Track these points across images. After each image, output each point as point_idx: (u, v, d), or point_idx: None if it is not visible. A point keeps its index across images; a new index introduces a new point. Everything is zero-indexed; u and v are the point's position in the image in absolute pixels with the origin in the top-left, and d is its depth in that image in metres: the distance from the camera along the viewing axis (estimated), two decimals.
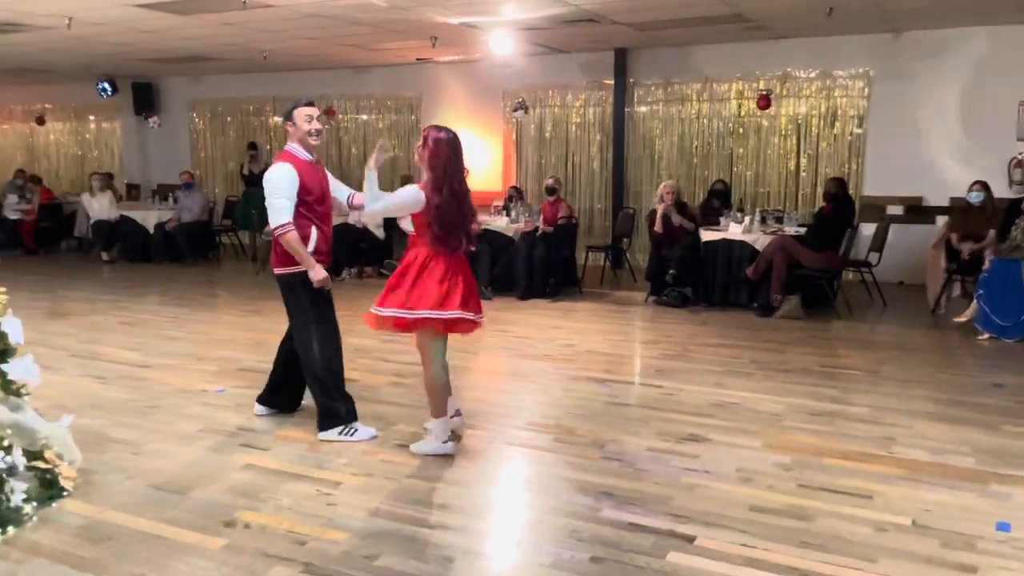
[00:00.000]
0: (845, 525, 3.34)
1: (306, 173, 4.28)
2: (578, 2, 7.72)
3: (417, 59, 11.56)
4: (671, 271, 8.21)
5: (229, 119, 14.17)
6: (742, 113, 10.52)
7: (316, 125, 4.35)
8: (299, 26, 8.80)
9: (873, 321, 7.79)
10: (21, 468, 3.42)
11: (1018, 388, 5.41)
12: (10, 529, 2.39)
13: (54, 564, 3.07)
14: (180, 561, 3.07)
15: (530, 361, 6.19)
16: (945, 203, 9.33)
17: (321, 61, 11.84)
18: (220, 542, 3.21)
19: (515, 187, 10.51)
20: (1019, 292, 6.71)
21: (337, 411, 4.38)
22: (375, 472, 3.93)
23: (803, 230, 8.28)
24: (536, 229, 8.89)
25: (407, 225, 4.17)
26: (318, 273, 4.25)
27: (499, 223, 9.24)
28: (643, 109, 11.05)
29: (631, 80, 10.94)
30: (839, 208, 8.00)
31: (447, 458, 4.12)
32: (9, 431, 3.44)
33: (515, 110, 11.21)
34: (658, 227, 8.50)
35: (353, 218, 9.33)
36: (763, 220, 8.67)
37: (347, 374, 4.54)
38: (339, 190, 4.64)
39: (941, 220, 9.06)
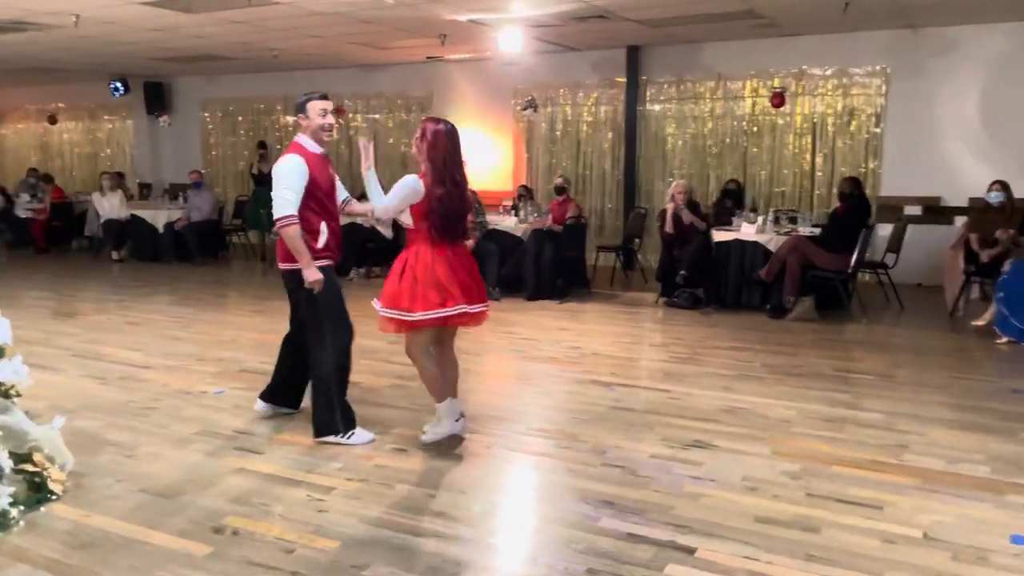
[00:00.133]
0: (853, 537, 3.21)
1: (316, 166, 4.18)
2: None
3: (427, 58, 11.47)
4: (682, 272, 8.07)
5: (240, 119, 14.15)
6: (756, 111, 10.35)
7: (330, 119, 4.25)
8: (307, 24, 8.74)
9: (889, 324, 7.62)
10: (8, 471, 3.34)
11: None
12: None
13: (36, 571, 3.00)
14: (164, 569, 2.98)
15: (535, 363, 6.08)
16: (964, 203, 9.14)
17: (331, 60, 11.78)
18: (206, 549, 3.12)
19: (525, 186, 10.41)
20: None
21: (335, 414, 4.28)
22: (369, 477, 3.84)
23: (817, 231, 8.11)
24: (546, 227, 8.76)
25: (406, 218, 4.10)
26: (313, 274, 4.12)
27: (507, 223, 9.14)
28: (655, 107, 10.91)
29: (643, 78, 10.80)
30: (854, 208, 7.83)
31: (444, 463, 4.02)
32: None
33: (524, 108, 11.11)
34: (669, 227, 8.36)
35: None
36: (776, 220, 8.51)
37: (351, 376, 4.46)
38: (338, 191, 4.55)
39: (960, 221, 8.88)
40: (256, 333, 6.93)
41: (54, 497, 3.60)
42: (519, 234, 8.94)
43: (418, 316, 4.01)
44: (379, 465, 4.00)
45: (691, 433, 4.45)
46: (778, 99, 9.80)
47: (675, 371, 5.81)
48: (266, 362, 4.69)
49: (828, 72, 9.85)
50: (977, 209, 8.17)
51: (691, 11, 8.19)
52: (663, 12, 8.29)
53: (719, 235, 8.23)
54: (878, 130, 9.69)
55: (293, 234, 4.06)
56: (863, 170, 9.71)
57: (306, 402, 4.80)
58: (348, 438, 4.25)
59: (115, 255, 11.88)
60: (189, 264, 11.37)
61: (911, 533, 3.25)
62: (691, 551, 3.09)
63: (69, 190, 14.36)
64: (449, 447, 4.24)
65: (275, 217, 4.08)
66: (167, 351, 6.37)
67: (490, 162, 11.85)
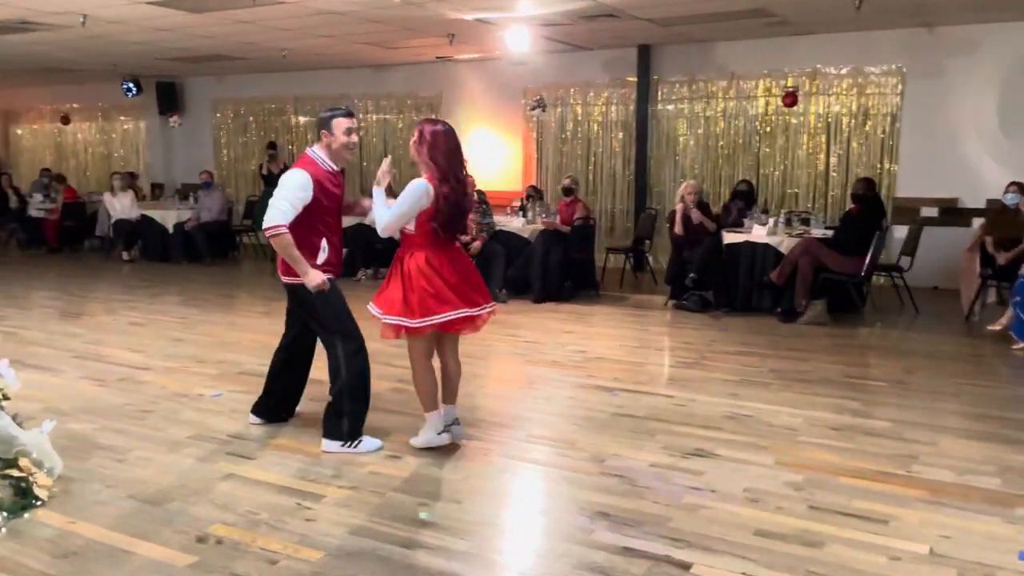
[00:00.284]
0: (856, 553, 3.09)
1: (327, 183, 4.09)
2: None
3: (437, 57, 11.41)
4: (691, 274, 7.95)
5: (251, 119, 14.16)
6: (769, 111, 10.21)
7: (355, 138, 4.18)
8: (313, 23, 8.69)
9: (903, 328, 7.46)
10: None
11: None
12: None
13: None
14: None
15: (537, 367, 5.98)
16: (981, 205, 8.97)
17: (340, 60, 11.74)
18: (189, 559, 3.05)
19: (534, 187, 10.31)
20: None
21: (343, 423, 4.17)
22: (361, 485, 3.75)
23: (830, 233, 7.96)
24: (550, 226, 8.66)
25: (409, 224, 4.01)
26: (313, 279, 4.05)
27: (515, 224, 9.05)
28: (667, 107, 10.79)
29: (655, 77, 10.68)
30: (867, 210, 7.67)
31: (438, 471, 3.94)
32: None
33: (533, 108, 11.01)
34: (678, 228, 8.24)
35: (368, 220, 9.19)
36: (788, 222, 8.37)
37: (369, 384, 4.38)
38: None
39: (978, 222, 8.69)
40: (260, 335, 6.87)
41: (39, 503, 3.57)
42: (526, 235, 8.85)
43: (417, 322, 3.93)
44: (372, 472, 3.92)
45: (693, 441, 4.34)
46: (790, 98, 9.65)
47: (680, 376, 5.70)
48: (266, 364, 4.62)
49: (843, 71, 9.69)
50: (994, 211, 8.00)
51: (701, 9, 8.07)
52: (672, 11, 8.17)
53: (729, 237, 8.09)
54: (894, 130, 9.51)
55: (284, 243, 3.97)
56: (878, 171, 9.55)
57: (304, 407, 4.76)
58: (355, 447, 4.17)
59: (125, 255, 11.92)
60: (199, 264, 11.37)
61: (917, 549, 3.13)
62: (687, 566, 2.99)
63: (83, 190, 14.45)
64: (445, 453, 4.15)
65: (265, 224, 3.99)
66: (168, 353, 6.33)
67: (500, 162, 11.77)
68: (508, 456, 4.16)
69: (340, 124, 4.10)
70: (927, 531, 3.28)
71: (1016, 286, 6.64)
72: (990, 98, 8.94)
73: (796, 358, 6.19)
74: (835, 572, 2.95)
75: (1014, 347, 6.46)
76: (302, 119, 13.54)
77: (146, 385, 5.43)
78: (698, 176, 10.48)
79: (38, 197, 13.20)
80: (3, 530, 3.31)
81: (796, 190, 10.16)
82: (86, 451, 4.18)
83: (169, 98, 14.28)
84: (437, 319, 3.95)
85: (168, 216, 11.84)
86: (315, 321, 4.22)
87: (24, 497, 3.52)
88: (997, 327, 6.89)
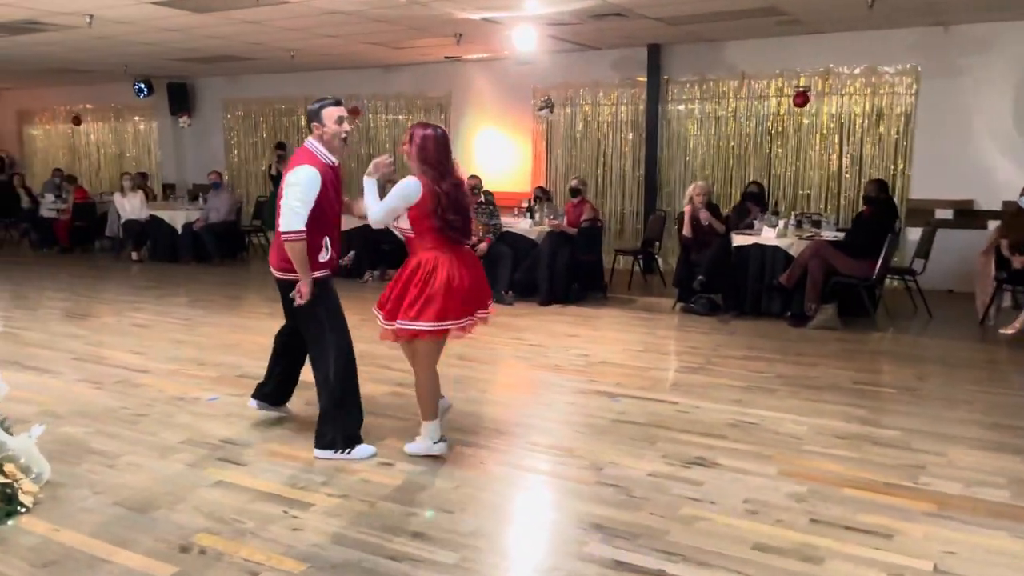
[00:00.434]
0: (858, 569, 2.98)
1: (328, 178, 4.03)
2: None
3: (445, 57, 11.34)
4: (699, 277, 7.83)
5: (261, 119, 14.15)
6: (781, 111, 10.06)
7: (347, 126, 4.09)
8: (320, 23, 8.64)
9: (915, 333, 7.31)
10: None
11: None
12: None
13: None
14: None
15: (538, 372, 5.89)
16: (997, 207, 8.79)
17: (349, 60, 11.69)
18: (169, 570, 2.99)
19: (542, 188, 10.21)
20: None
21: (337, 429, 4.11)
22: (351, 493, 3.68)
23: (841, 235, 7.81)
24: (554, 228, 8.56)
25: (404, 223, 3.94)
26: (307, 288, 3.96)
27: (522, 225, 8.96)
28: (677, 107, 10.66)
29: (665, 77, 10.55)
30: (879, 212, 7.53)
31: (430, 479, 3.85)
32: None
33: (541, 109, 10.92)
34: (686, 230, 8.13)
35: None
36: (799, 224, 8.23)
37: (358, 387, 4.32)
38: None
39: (993, 225, 8.52)
40: (262, 336, 6.75)
41: (24, 510, 3.51)
42: (533, 237, 8.76)
43: (426, 326, 3.85)
44: (363, 479, 3.84)
45: (694, 449, 4.23)
46: (801, 98, 9.51)
47: (684, 381, 5.59)
48: (265, 367, 4.59)
49: (856, 71, 9.53)
50: (1009, 213, 7.84)
51: (709, 8, 7.95)
52: (680, 9, 8.05)
53: (739, 239, 7.96)
54: (908, 130, 9.35)
55: (300, 249, 3.91)
56: (892, 172, 9.39)
57: (301, 410, 4.70)
58: (348, 453, 4.10)
59: (135, 256, 11.93)
60: (207, 265, 11.35)
61: (921, 566, 3.01)
62: None
63: (95, 190, 14.50)
64: (439, 461, 4.07)
65: (283, 230, 3.91)
66: (169, 355, 6.29)
67: (509, 163, 11.69)
68: (503, 464, 4.08)
69: (331, 113, 4.01)
70: (931, 546, 3.17)
71: None
72: (1006, 98, 8.76)
73: (804, 363, 6.07)
74: None
75: None
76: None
77: (143, 388, 5.38)
78: (709, 177, 10.35)
79: (50, 197, 13.25)
80: None
81: (808, 191, 10.01)
82: (77, 456, 4.13)
83: (180, 99, 14.29)
84: (445, 325, 3.87)
85: (177, 216, 11.84)
86: (307, 320, 4.13)
87: (9, 504, 3.47)
88: (1010, 331, 6.74)
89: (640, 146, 10.86)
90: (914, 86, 9.24)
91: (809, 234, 7.90)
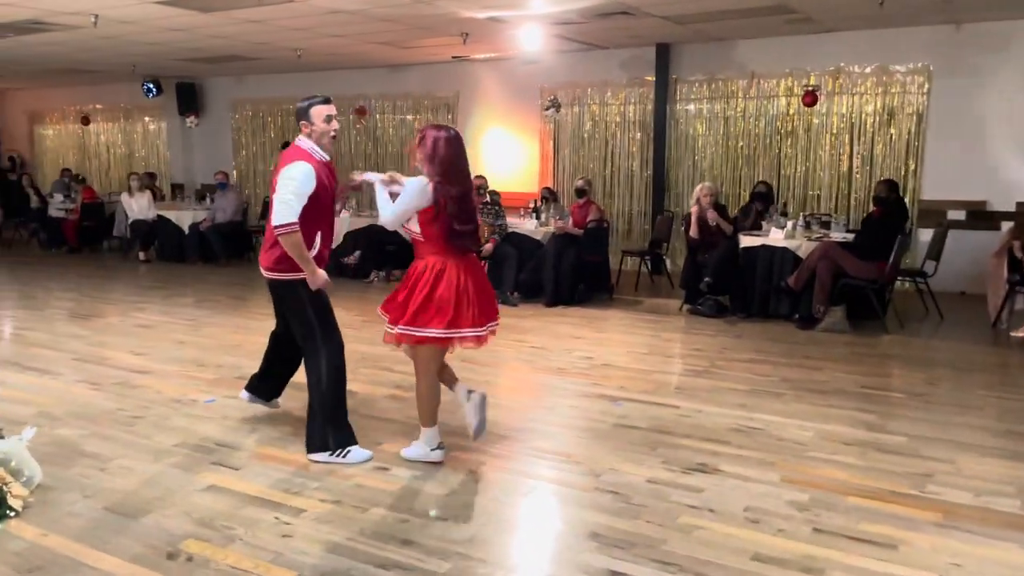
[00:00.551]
0: None
1: (322, 174, 4.00)
2: None
3: (453, 57, 11.27)
4: (706, 279, 7.73)
5: (269, 119, 14.13)
6: (791, 111, 9.94)
7: (336, 125, 4.07)
8: (324, 23, 8.59)
9: (926, 336, 7.18)
10: None
11: None
12: None
13: None
14: None
15: (540, 375, 5.82)
16: (1011, 208, 8.66)
17: (356, 60, 11.65)
18: None
19: (548, 188, 10.13)
20: None
21: (328, 431, 4.06)
22: (344, 499, 3.61)
23: (851, 236, 7.69)
24: (558, 229, 8.47)
25: (414, 225, 3.87)
26: (319, 278, 3.97)
27: (527, 225, 8.89)
28: (686, 107, 10.55)
29: (673, 77, 10.45)
30: (890, 213, 7.41)
31: (425, 485, 3.79)
32: None
33: (547, 108, 10.84)
34: (693, 231, 8.03)
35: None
36: (807, 225, 8.12)
37: (348, 384, 4.26)
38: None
39: (1006, 226, 8.39)
40: (264, 336, 6.62)
41: (12, 514, 3.46)
42: (539, 237, 8.68)
43: (434, 333, 3.77)
44: (358, 485, 3.77)
45: (695, 455, 4.14)
46: (810, 98, 9.39)
47: (688, 385, 5.50)
48: None
49: (867, 70, 9.40)
50: (1022, 214, 7.69)
51: (717, 6, 7.85)
52: (687, 7, 7.95)
53: (746, 240, 7.86)
54: (919, 130, 9.21)
55: (295, 242, 3.87)
56: (903, 172, 9.26)
57: (297, 412, 4.65)
58: (343, 456, 4.04)
59: (142, 256, 11.93)
60: (213, 265, 11.33)
61: None
62: None
63: (105, 190, 14.51)
64: (436, 465, 4.00)
65: (276, 223, 3.87)
66: (169, 356, 6.25)
67: (516, 163, 11.62)
68: (501, 469, 4.00)
69: (319, 112, 3.99)
70: (938, 558, 3.07)
71: None
72: (1020, 97, 8.61)
73: (811, 367, 5.96)
74: None
75: None
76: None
77: (141, 390, 5.34)
78: (717, 177, 10.25)
79: (58, 197, 13.28)
80: None
81: (818, 192, 9.89)
82: (70, 459, 4.09)
83: (189, 99, 14.30)
84: (445, 333, 3.78)
85: (184, 217, 11.84)
86: (297, 321, 4.09)
87: None
88: (1021, 334, 6.60)
89: (648, 146, 10.77)
90: (926, 85, 9.11)
91: (818, 235, 7.79)
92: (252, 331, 7.09)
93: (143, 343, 6.69)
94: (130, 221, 12.07)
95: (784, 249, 7.59)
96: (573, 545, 3.19)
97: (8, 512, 3.44)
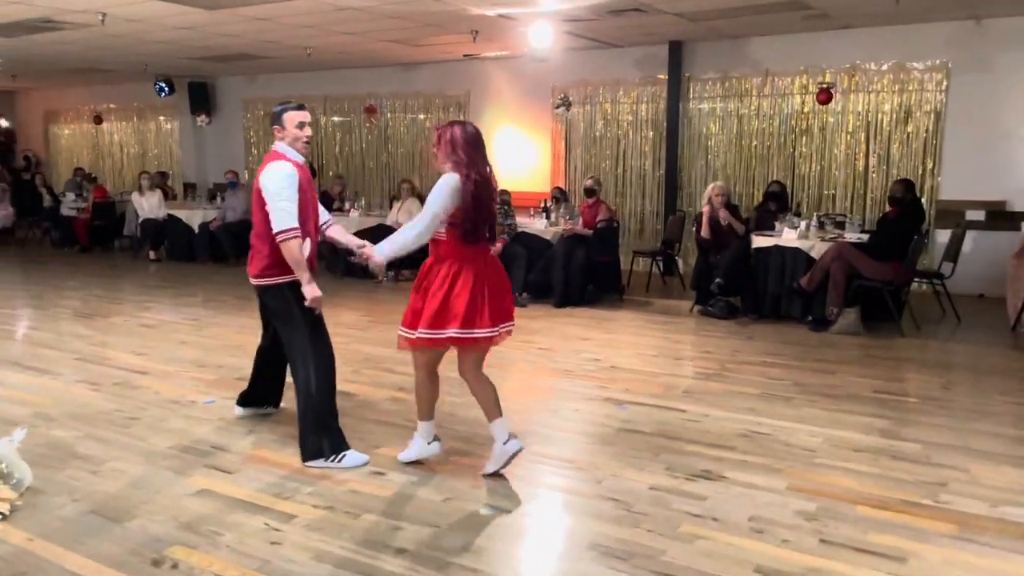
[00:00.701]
0: None
1: (303, 176, 3.94)
2: None
3: (464, 55, 11.19)
4: (717, 279, 7.59)
5: None
6: (806, 109, 9.77)
7: (308, 132, 4.02)
8: (333, 20, 8.52)
9: (942, 339, 7.01)
10: None
11: None
12: None
13: None
14: None
15: (545, 377, 5.71)
16: None
17: (367, 59, 11.59)
18: None
19: (559, 188, 10.02)
20: None
21: (322, 436, 3.98)
22: (337, 505, 3.52)
23: (865, 237, 7.53)
24: (566, 231, 8.35)
25: (440, 226, 3.72)
26: (314, 290, 3.87)
27: (537, 225, 8.78)
28: (699, 105, 10.40)
29: (686, 75, 10.30)
30: (906, 213, 7.23)
31: (420, 490, 3.69)
32: None
33: (558, 107, 10.72)
34: (704, 231, 7.89)
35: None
36: (821, 226, 7.96)
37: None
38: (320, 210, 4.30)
39: None
40: None
41: (0, 518, 3.41)
42: (548, 237, 8.57)
43: (451, 333, 3.61)
44: (351, 490, 3.68)
45: (700, 461, 4.02)
46: (825, 95, 9.22)
47: (696, 388, 5.37)
48: None
49: (884, 67, 9.21)
50: None
51: (732, 3, 7.70)
52: (700, 4, 7.82)
53: (758, 240, 7.71)
54: (937, 129, 9.03)
55: (296, 247, 3.80)
56: (920, 172, 9.07)
57: (286, 403, 4.58)
58: (338, 461, 3.95)
59: (152, 255, 11.92)
60: (223, 264, 11.30)
61: None
62: None
63: (118, 189, 14.53)
64: (432, 470, 3.91)
65: (277, 229, 3.80)
66: (170, 356, 6.19)
67: (528, 162, 11.51)
68: (499, 476, 3.89)
69: (292, 118, 3.96)
70: (950, 572, 2.95)
71: None
72: None
73: (824, 370, 5.82)
74: None
75: None
76: (333, 118, 13.43)
77: (140, 390, 5.28)
78: (730, 177, 10.10)
79: (71, 196, 13.29)
80: None
81: (833, 191, 9.72)
82: (62, 460, 4.03)
83: (201, 98, 14.30)
84: (463, 333, 3.63)
85: (194, 216, 11.82)
86: (287, 327, 4.01)
87: None
88: None
89: (660, 145, 10.63)
90: (944, 82, 8.91)
91: (831, 235, 7.63)
92: (256, 331, 6.96)
93: (146, 343, 6.65)
94: (140, 220, 12.06)
95: (796, 250, 7.44)
96: (571, 555, 3.09)
97: None
